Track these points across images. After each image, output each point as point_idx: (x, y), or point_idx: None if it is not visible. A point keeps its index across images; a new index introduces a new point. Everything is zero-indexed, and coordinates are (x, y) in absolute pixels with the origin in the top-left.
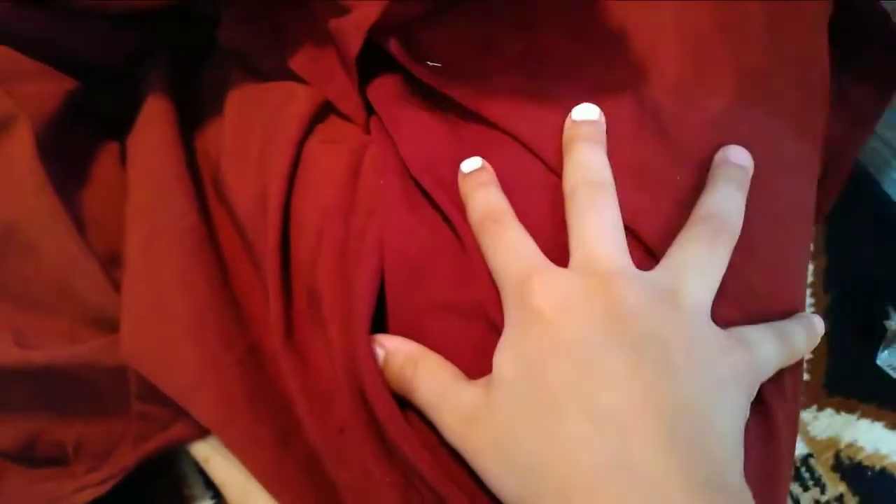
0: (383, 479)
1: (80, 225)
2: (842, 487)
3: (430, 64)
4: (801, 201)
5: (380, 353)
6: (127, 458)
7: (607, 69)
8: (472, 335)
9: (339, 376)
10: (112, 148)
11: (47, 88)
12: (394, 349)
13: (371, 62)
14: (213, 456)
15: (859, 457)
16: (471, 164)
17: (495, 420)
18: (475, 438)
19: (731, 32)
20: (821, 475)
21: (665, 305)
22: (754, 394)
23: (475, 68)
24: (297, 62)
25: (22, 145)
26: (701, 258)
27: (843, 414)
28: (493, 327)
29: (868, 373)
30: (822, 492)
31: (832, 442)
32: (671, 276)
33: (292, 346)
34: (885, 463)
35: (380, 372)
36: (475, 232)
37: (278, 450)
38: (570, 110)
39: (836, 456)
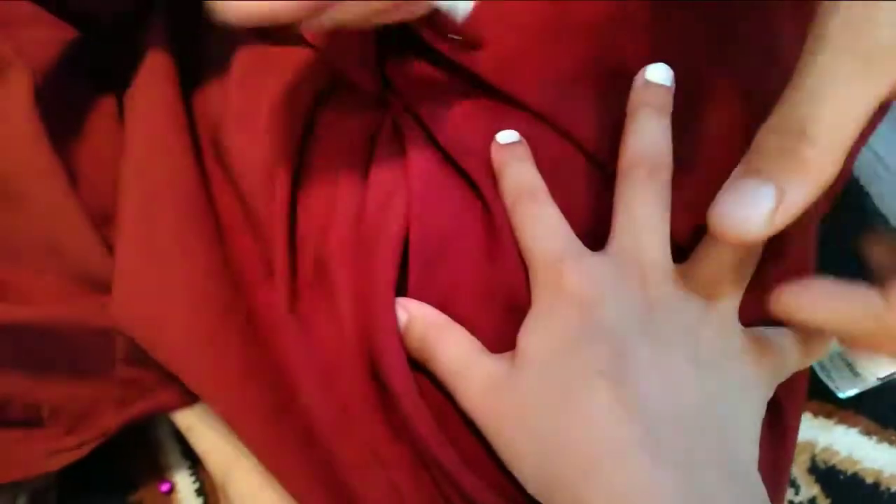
0: (390, 454)
1: (73, 180)
2: (815, 490)
3: (452, 37)
4: (817, 209)
5: (402, 316)
6: (108, 421)
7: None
8: (494, 314)
9: (348, 348)
10: (109, 103)
11: (45, 35)
12: (419, 314)
13: (388, 34)
14: (196, 425)
15: (833, 461)
16: (507, 135)
17: (519, 392)
18: (496, 408)
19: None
20: (796, 477)
21: (698, 304)
22: (771, 393)
23: (498, 44)
24: (310, 31)
25: (19, 92)
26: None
27: (820, 418)
28: (517, 308)
29: None
30: (797, 493)
31: (809, 445)
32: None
33: (296, 317)
34: (857, 468)
35: (400, 341)
36: (508, 207)
37: (274, 421)
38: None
39: (812, 459)
